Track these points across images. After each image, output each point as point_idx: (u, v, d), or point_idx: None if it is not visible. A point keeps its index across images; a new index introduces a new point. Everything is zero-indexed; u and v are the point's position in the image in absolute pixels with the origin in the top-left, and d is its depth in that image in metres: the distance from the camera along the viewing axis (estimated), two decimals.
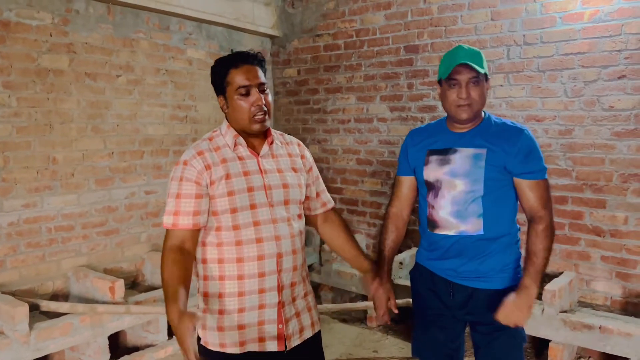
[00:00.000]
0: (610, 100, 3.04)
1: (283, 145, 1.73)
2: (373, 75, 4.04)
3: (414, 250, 3.75)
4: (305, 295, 1.72)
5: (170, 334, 3.24)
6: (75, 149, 3.28)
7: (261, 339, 1.59)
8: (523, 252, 1.80)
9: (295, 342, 1.64)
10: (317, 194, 1.82)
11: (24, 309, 2.55)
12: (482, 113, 1.85)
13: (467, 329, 1.94)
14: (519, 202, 1.83)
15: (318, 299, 3.92)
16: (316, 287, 3.96)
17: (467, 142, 1.79)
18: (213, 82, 1.65)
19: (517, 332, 1.83)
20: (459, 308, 1.84)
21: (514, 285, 1.82)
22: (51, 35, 3.13)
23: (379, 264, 1.93)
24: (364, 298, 3.65)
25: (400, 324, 3.53)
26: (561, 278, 3.07)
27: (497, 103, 3.43)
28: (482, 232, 1.76)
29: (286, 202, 1.64)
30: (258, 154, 1.64)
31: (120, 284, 2.96)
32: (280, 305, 1.61)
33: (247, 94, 1.58)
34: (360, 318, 3.74)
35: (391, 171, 3.99)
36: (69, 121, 3.24)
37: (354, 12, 4.10)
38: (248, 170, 1.60)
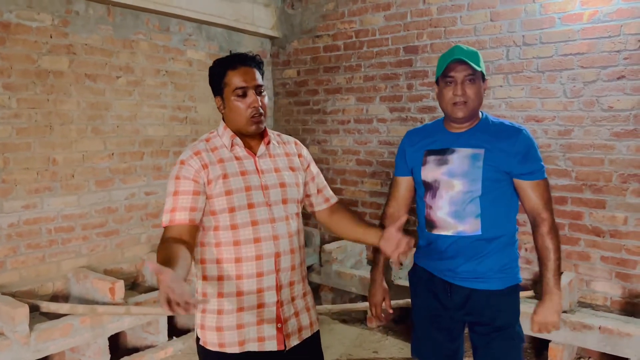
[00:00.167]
0: (610, 100, 3.04)
1: (280, 144, 1.74)
2: (373, 76, 4.05)
3: (412, 250, 3.74)
4: (305, 295, 1.72)
5: (171, 334, 3.25)
6: (75, 150, 3.28)
7: (260, 339, 1.59)
8: (522, 252, 1.80)
9: (294, 341, 1.65)
10: (319, 191, 1.80)
11: (24, 310, 2.55)
12: (480, 113, 1.84)
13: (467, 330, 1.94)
14: (520, 203, 1.83)
15: (318, 300, 3.92)
16: (316, 288, 3.96)
17: (465, 142, 1.79)
18: (211, 83, 1.66)
19: (515, 333, 1.83)
20: (458, 309, 1.84)
21: (513, 286, 1.83)
22: (51, 37, 3.13)
23: (375, 264, 1.93)
24: (364, 299, 3.64)
25: (400, 324, 3.53)
26: (561, 278, 3.06)
27: (497, 104, 3.43)
28: (480, 233, 1.76)
29: (284, 201, 1.64)
30: (255, 154, 1.65)
31: (120, 285, 2.96)
32: (279, 304, 1.61)
33: (244, 96, 1.59)
34: (360, 319, 3.74)
35: (391, 172, 3.99)
36: (69, 122, 3.24)
37: (354, 13, 4.10)
38: (245, 170, 1.60)
